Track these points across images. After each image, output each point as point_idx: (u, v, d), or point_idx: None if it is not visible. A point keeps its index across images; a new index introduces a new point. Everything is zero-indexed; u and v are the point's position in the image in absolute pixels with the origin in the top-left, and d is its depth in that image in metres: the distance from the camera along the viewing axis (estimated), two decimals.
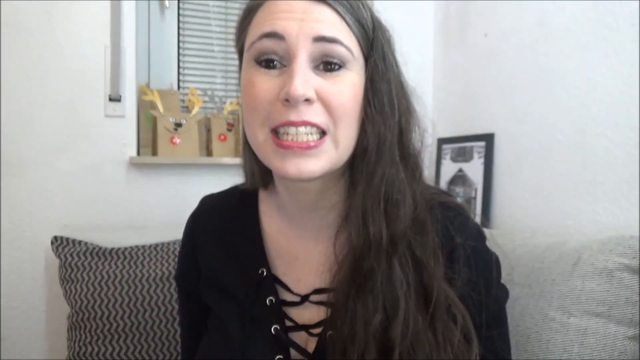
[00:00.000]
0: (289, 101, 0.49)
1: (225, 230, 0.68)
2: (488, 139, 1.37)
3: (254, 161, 0.63)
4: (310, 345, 0.58)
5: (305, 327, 0.58)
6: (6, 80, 1.27)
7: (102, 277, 1.18)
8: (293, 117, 0.49)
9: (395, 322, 0.49)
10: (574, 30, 1.13)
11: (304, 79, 0.49)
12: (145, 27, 1.51)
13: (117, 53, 1.34)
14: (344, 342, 0.50)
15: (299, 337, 0.59)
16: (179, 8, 1.56)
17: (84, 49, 1.33)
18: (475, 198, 1.38)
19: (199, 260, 0.69)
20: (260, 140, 0.53)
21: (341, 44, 0.51)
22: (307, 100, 0.49)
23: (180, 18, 1.57)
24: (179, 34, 1.56)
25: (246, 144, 0.62)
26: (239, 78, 0.58)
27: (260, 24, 0.52)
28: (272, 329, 0.58)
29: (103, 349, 1.13)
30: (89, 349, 1.13)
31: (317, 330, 0.57)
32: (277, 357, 0.57)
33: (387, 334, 0.50)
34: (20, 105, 1.29)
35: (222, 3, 1.60)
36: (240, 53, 0.59)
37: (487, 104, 1.41)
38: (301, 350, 0.58)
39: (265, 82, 0.51)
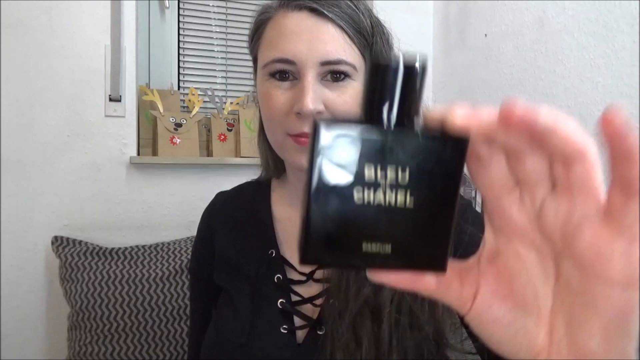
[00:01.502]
0: (301, 114, 0.56)
1: (240, 216, 0.74)
2: None
3: (269, 152, 0.71)
4: (314, 315, 0.63)
5: (310, 300, 0.64)
6: (6, 80, 1.27)
7: (102, 277, 1.18)
8: (306, 128, 0.57)
9: (384, 287, 0.55)
10: (574, 30, 1.13)
11: (314, 95, 0.56)
12: (145, 27, 1.51)
13: (117, 53, 1.34)
14: (340, 309, 0.57)
15: (305, 310, 0.64)
16: (179, 8, 1.56)
17: (84, 49, 1.33)
18: (475, 198, 1.38)
19: (214, 245, 0.74)
20: (280, 140, 0.61)
21: (345, 63, 0.58)
22: (318, 112, 0.57)
23: (180, 18, 1.57)
24: (179, 34, 1.56)
25: (261, 138, 0.71)
26: (255, 84, 0.65)
27: (272, 45, 0.59)
28: (279, 303, 0.64)
29: (103, 349, 1.13)
30: (89, 349, 1.13)
31: (320, 301, 0.63)
32: (283, 326, 0.62)
33: (377, 299, 0.56)
34: (20, 105, 1.29)
35: (222, 3, 1.60)
36: (254, 60, 0.65)
37: (487, 104, 1.41)
38: (305, 318, 0.63)
39: (280, 96, 0.59)
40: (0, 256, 1.28)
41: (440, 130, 0.22)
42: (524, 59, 1.28)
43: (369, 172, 0.22)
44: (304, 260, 0.22)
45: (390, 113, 0.22)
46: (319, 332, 0.61)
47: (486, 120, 0.22)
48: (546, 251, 0.24)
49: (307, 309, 0.64)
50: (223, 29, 1.61)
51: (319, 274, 0.65)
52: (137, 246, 1.27)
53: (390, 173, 0.22)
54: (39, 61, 1.30)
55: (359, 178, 0.22)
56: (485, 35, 1.43)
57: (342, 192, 0.22)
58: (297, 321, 0.63)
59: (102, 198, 1.36)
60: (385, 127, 0.23)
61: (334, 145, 0.22)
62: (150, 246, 1.28)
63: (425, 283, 0.25)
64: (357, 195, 0.22)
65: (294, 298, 0.64)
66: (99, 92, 1.35)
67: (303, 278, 0.65)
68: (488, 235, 0.26)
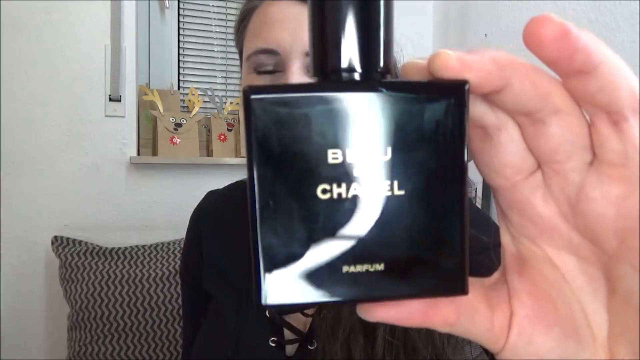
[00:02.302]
0: None
1: (229, 219, 0.70)
2: None
3: None
4: (305, 327, 0.60)
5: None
6: (6, 80, 1.28)
7: (102, 277, 1.18)
8: None
9: None
10: None
11: None
12: (145, 27, 1.51)
13: (117, 53, 1.34)
14: (332, 323, 0.53)
15: (296, 319, 0.61)
16: (179, 8, 1.56)
17: (84, 49, 1.33)
18: (475, 197, 1.38)
19: (202, 246, 0.71)
20: None
21: None
22: None
23: (180, 18, 1.57)
24: (179, 34, 1.56)
25: None
26: (241, 77, 0.62)
27: (256, 35, 0.55)
28: (267, 312, 0.60)
29: (103, 349, 1.13)
30: (89, 349, 1.13)
31: (311, 311, 0.60)
32: (271, 338, 0.59)
33: None
34: (21, 105, 1.29)
35: (222, 3, 1.60)
36: (240, 52, 0.62)
37: None
38: (295, 330, 0.60)
39: None
40: (0, 256, 1.28)
41: (425, 82, 0.16)
42: (524, 59, 1.27)
43: (335, 156, 0.14)
44: (260, 304, 0.15)
45: (351, 61, 0.16)
46: (310, 347, 0.58)
47: (491, 60, 0.16)
48: (589, 254, 0.17)
49: (298, 319, 0.61)
50: (223, 29, 1.61)
51: None
52: (137, 246, 1.27)
53: (365, 151, 0.15)
54: (39, 61, 1.30)
55: (322, 167, 0.14)
56: (485, 35, 1.43)
57: (301, 194, 0.15)
58: (287, 334, 0.60)
59: (102, 198, 1.36)
60: (346, 84, 0.15)
61: (277, 121, 0.14)
62: (150, 246, 1.28)
63: (441, 315, 0.17)
64: (322, 195, 0.15)
65: None
66: (99, 92, 1.35)
67: None
68: (505, 239, 0.19)
